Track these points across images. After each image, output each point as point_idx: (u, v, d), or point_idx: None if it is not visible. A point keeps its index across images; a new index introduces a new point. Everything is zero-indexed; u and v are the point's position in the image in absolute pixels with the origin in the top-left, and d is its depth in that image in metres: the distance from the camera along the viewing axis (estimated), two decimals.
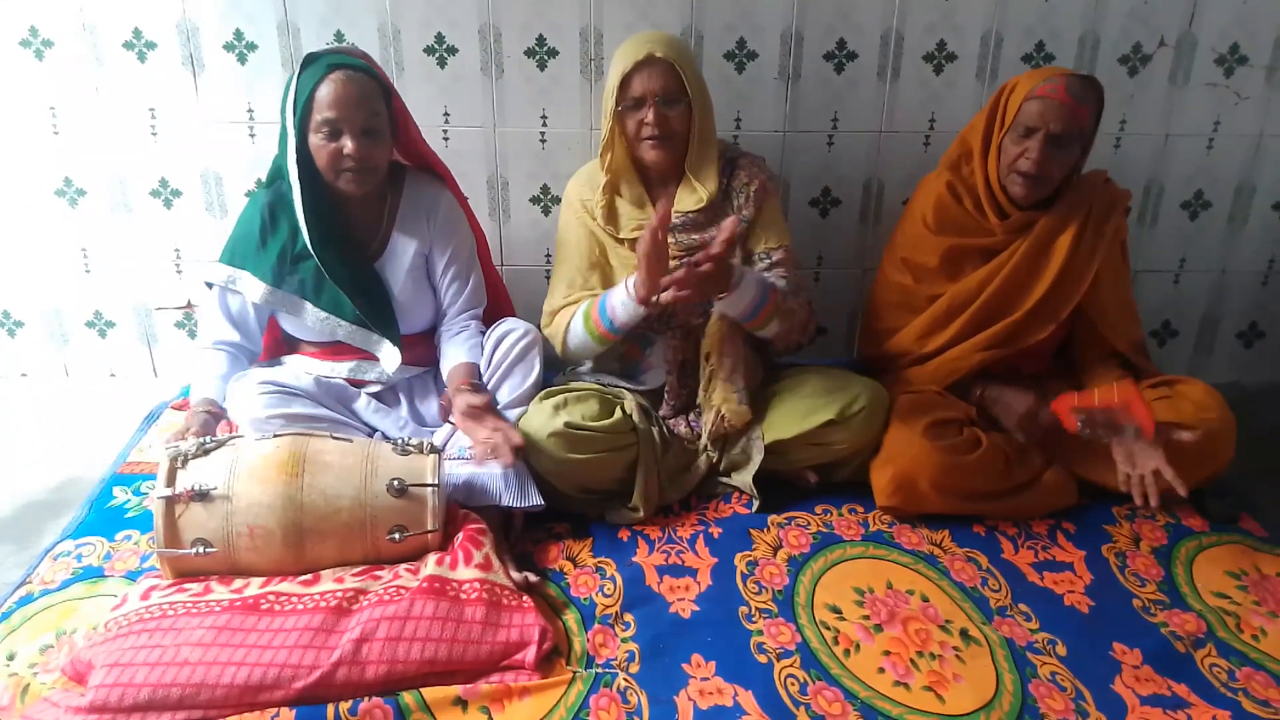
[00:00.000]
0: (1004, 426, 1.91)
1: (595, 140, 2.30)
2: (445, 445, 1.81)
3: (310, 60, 1.79)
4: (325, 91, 1.74)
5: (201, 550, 1.54)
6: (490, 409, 1.80)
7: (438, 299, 2.00)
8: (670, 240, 1.92)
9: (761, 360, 2.03)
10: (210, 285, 1.90)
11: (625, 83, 1.83)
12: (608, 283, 1.98)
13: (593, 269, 1.98)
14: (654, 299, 1.74)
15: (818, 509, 1.90)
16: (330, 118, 1.74)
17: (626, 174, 1.95)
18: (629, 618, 1.60)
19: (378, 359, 1.92)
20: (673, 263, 1.92)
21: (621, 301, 1.82)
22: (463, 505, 1.74)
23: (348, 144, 1.75)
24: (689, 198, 1.92)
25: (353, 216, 1.89)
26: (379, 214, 1.92)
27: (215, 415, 1.79)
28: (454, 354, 1.93)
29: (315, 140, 1.77)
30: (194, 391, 1.85)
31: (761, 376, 2.02)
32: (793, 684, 1.47)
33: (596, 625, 1.58)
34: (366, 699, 1.37)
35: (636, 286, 1.77)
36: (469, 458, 1.80)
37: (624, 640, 1.55)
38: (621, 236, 1.95)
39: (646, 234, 1.68)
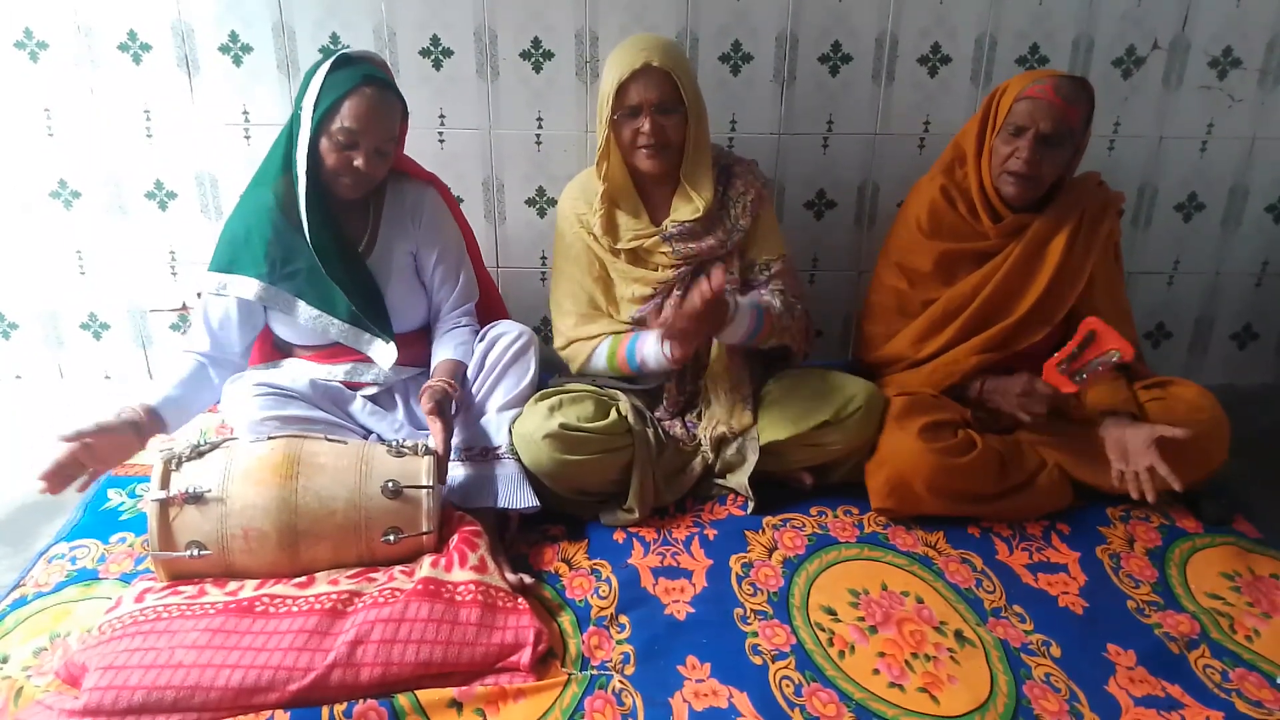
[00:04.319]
0: (1006, 415, 1.90)
1: (590, 142, 2.30)
2: None
3: (344, 62, 1.78)
4: (356, 103, 1.74)
5: (196, 553, 1.54)
6: (437, 413, 1.75)
7: (429, 297, 2.00)
8: (667, 249, 1.93)
9: (757, 363, 2.03)
10: (201, 295, 1.89)
11: (621, 91, 1.82)
12: (610, 294, 1.99)
13: (595, 283, 1.99)
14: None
15: (813, 511, 1.90)
16: (352, 130, 1.74)
17: (623, 184, 1.95)
18: (624, 619, 1.60)
19: (373, 361, 1.92)
20: (669, 271, 1.93)
21: (654, 356, 1.85)
22: (458, 507, 1.74)
23: (359, 158, 1.76)
24: (685, 207, 1.92)
25: (341, 216, 1.89)
26: (365, 214, 1.93)
27: (137, 420, 1.67)
28: (441, 351, 1.94)
29: (327, 143, 1.77)
30: (148, 390, 1.81)
31: (758, 380, 2.02)
32: (788, 686, 1.47)
33: (592, 627, 1.58)
34: (361, 701, 1.37)
35: (672, 349, 1.78)
36: (463, 459, 1.81)
37: (619, 642, 1.55)
38: (619, 247, 1.96)
39: (688, 309, 1.69)
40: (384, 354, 1.89)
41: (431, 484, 1.63)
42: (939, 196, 1.98)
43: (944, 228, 1.98)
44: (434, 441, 1.71)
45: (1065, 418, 1.88)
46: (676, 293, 1.94)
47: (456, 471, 1.80)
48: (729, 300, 1.76)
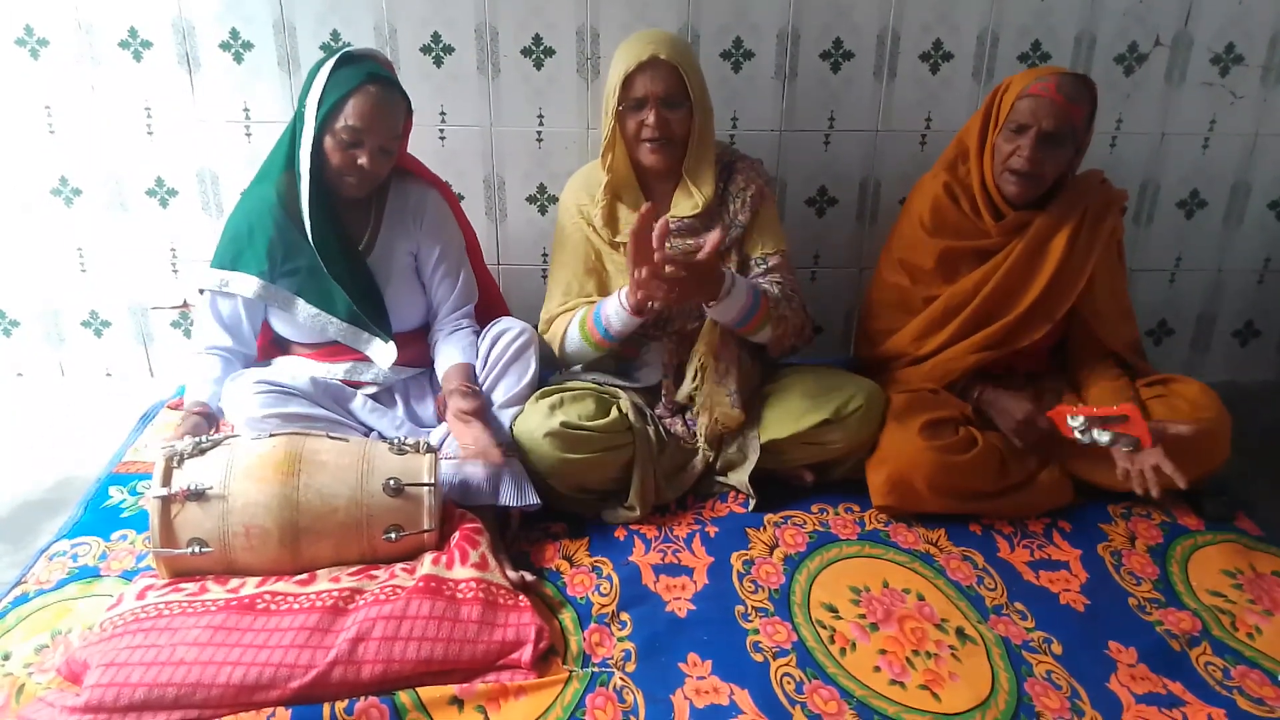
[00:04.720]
0: (1001, 429, 1.91)
1: (592, 139, 2.30)
2: (441, 445, 1.81)
3: (347, 60, 1.78)
4: (360, 102, 1.74)
5: (197, 550, 1.54)
6: (480, 414, 1.79)
7: (428, 297, 2.00)
8: (666, 245, 1.92)
9: (758, 360, 2.03)
10: (202, 291, 1.89)
11: (627, 83, 1.82)
12: (603, 288, 1.98)
13: (589, 275, 1.98)
14: (647, 307, 1.76)
15: (814, 508, 1.90)
16: (356, 128, 1.75)
17: (627, 177, 1.94)
18: (625, 617, 1.60)
19: (372, 360, 1.92)
20: (668, 268, 1.92)
21: (615, 311, 1.82)
22: (459, 505, 1.74)
23: (363, 157, 1.77)
24: (685, 202, 1.92)
25: (343, 215, 1.89)
26: (366, 213, 1.93)
27: (206, 417, 1.80)
28: (449, 354, 1.93)
29: (331, 142, 1.77)
30: (188, 395, 1.86)
31: (758, 377, 2.02)
32: (789, 683, 1.47)
33: (593, 624, 1.58)
34: (362, 698, 1.37)
35: (628, 295, 1.77)
36: (464, 457, 1.81)
37: (620, 639, 1.55)
38: (618, 240, 1.95)
39: (630, 236, 1.65)
40: (383, 354, 1.89)
41: (433, 482, 1.63)
42: (942, 193, 1.97)
43: (947, 225, 1.98)
44: (486, 447, 1.72)
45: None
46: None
47: (457, 469, 1.79)
48: (724, 271, 1.73)
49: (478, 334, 1.97)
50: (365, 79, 1.75)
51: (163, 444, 1.63)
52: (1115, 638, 1.59)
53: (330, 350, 1.93)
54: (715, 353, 1.90)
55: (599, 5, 2.19)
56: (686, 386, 1.93)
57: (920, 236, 2.00)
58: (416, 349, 1.99)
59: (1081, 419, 1.78)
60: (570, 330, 1.93)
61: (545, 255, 2.42)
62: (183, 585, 1.54)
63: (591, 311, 1.89)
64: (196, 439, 1.62)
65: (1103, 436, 1.76)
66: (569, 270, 1.99)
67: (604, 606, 1.62)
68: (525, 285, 2.44)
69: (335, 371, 1.92)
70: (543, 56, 2.24)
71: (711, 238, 1.65)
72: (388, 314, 1.91)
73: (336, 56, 1.78)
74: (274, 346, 2.01)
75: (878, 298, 2.12)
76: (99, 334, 2.51)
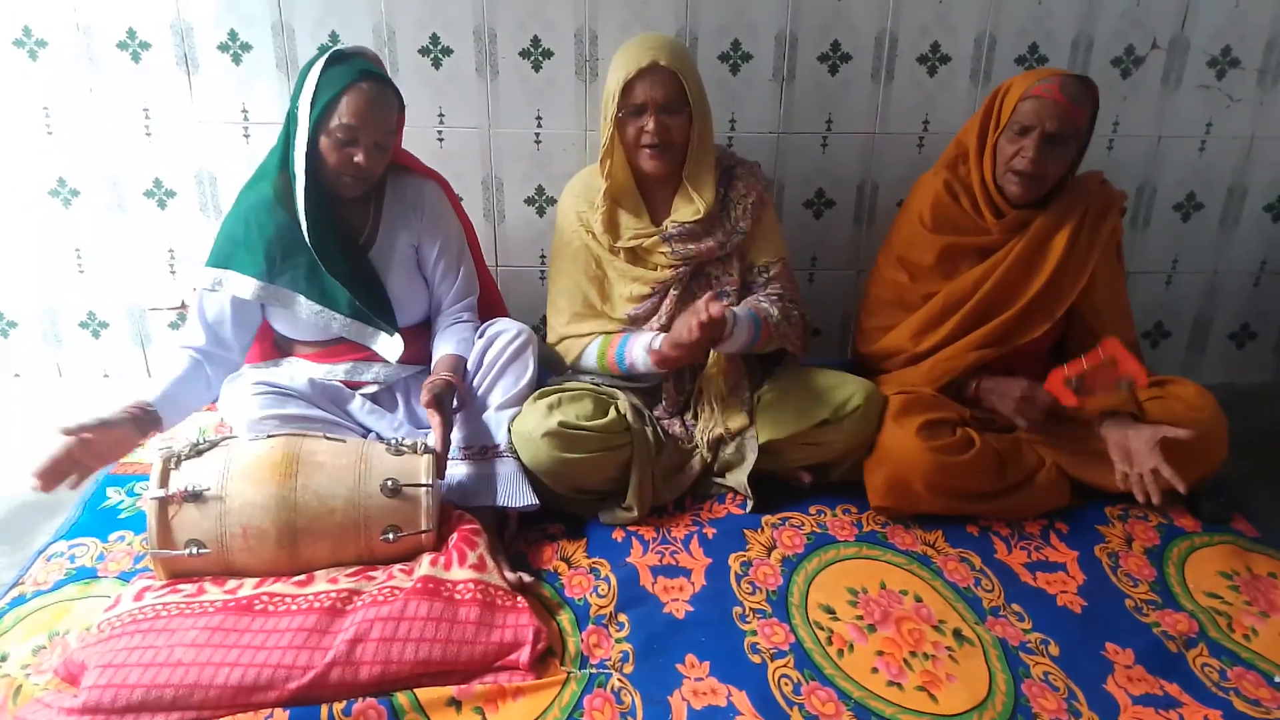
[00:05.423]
0: (1002, 415, 1.91)
1: (590, 141, 2.30)
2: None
3: (339, 59, 1.78)
4: (353, 99, 1.74)
5: (195, 551, 1.54)
6: (436, 405, 1.75)
7: (430, 290, 2.01)
8: (666, 249, 1.93)
9: (755, 364, 2.03)
10: (195, 289, 1.89)
11: (627, 89, 1.82)
12: (605, 294, 1.99)
13: (591, 282, 1.99)
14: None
15: (812, 509, 1.90)
16: (351, 125, 1.75)
17: (626, 182, 1.95)
18: (623, 618, 1.60)
19: (375, 358, 1.92)
20: (667, 271, 1.93)
21: (643, 360, 1.87)
22: (457, 505, 1.74)
23: (359, 154, 1.77)
24: (686, 208, 1.92)
25: (342, 211, 1.89)
26: (365, 209, 1.93)
27: (136, 416, 1.65)
28: (443, 346, 1.94)
29: (326, 142, 1.77)
30: (142, 388, 1.78)
31: (757, 379, 2.02)
32: (786, 684, 1.47)
33: (591, 625, 1.58)
34: (360, 700, 1.37)
35: (661, 356, 1.79)
36: (462, 458, 1.81)
37: (618, 640, 1.55)
38: (619, 246, 1.96)
39: (694, 326, 1.68)
40: (389, 347, 1.89)
41: (430, 482, 1.63)
42: (943, 190, 1.98)
43: (947, 222, 1.98)
44: (433, 436, 1.71)
45: (1060, 418, 1.88)
46: (673, 292, 1.94)
47: (456, 469, 1.80)
48: (727, 317, 1.75)
49: (477, 328, 1.97)
50: (357, 76, 1.75)
51: (159, 445, 1.63)
52: (1112, 639, 1.59)
53: (332, 350, 1.93)
54: (723, 370, 1.94)
55: (597, 7, 2.20)
56: (703, 424, 1.96)
57: (920, 233, 2.00)
58: (418, 345, 1.99)
59: (1074, 377, 1.77)
60: (586, 356, 1.97)
61: (543, 257, 2.42)
62: (180, 586, 1.54)
63: (614, 348, 1.92)
64: (194, 441, 1.62)
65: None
66: (570, 279, 2.00)
67: (602, 608, 1.62)
68: (524, 286, 2.44)
69: (336, 371, 1.92)
70: (541, 58, 2.24)
71: (713, 309, 1.68)
72: (391, 308, 1.91)
73: (326, 56, 1.78)
74: (275, 348, 2.01)
75: (876, 294, 2.12)
76: (97, 335, 2.51)
